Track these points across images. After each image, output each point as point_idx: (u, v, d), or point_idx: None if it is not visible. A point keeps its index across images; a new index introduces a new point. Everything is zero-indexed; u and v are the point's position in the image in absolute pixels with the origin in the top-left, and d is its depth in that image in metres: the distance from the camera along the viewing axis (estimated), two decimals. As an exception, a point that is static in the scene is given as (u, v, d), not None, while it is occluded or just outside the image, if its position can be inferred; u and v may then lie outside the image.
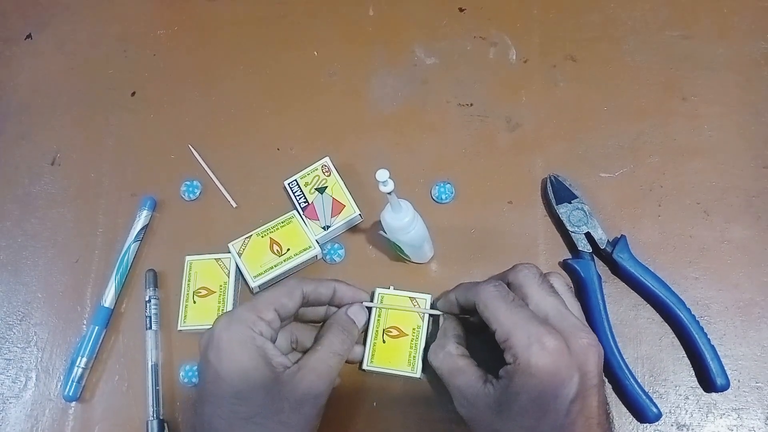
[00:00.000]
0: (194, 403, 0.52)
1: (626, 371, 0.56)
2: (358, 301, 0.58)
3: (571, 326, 0.49)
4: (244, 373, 0.49)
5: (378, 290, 0.60)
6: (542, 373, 0.46)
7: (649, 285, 0.59)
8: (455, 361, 0.53)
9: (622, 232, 0.61)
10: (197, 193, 0.67)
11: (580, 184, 0.63)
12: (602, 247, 0.60)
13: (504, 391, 0.48)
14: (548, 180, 0.63)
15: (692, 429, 0.56)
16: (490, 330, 0.50)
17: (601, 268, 0.61)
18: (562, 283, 0.54)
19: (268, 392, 0.49)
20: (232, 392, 0.49)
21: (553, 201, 0.62)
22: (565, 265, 0.61)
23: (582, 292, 0.59)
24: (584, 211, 0.61)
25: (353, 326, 0.56)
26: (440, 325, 0.57)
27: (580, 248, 0.61)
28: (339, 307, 0.58)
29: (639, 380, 0.57)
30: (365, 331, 0.59)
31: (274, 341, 0.52)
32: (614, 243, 0.60)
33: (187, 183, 0.67)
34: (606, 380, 0.56)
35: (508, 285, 0.53)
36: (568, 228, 0.61)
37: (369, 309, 0.59)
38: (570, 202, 0.62)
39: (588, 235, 0.61)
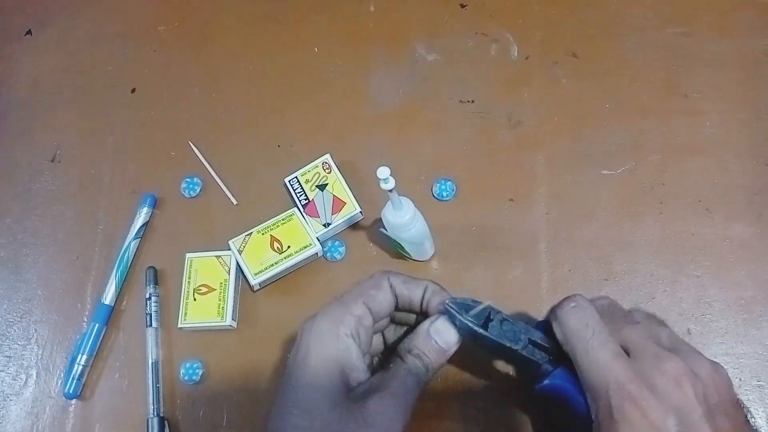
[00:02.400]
0: None
1: None
2: (443, 311, 0.48)
3: (661, 352, 0.44)
4: (314, 378, 0.44)
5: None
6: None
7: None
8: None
9: (623, 229, 0.61)
10: (197, 190, 0.67)
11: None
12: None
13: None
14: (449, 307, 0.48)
15: (693, 427, 0.56)
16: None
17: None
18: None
19: (335, 407, 0.43)
20: (296, 395, 0.44)
21: (480, 330, 0.48)
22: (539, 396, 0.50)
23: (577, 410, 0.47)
24: (504, 316, 0.49)
25: (433, 355, 0.47)
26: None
27: (544, 369, 0.49)
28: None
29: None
30: None
31: (363, 346, 0.46)
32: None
33: (188, 180, 0.67)
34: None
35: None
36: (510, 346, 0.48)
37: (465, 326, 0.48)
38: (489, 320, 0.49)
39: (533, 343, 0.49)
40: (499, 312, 0.49)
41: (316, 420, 0.43)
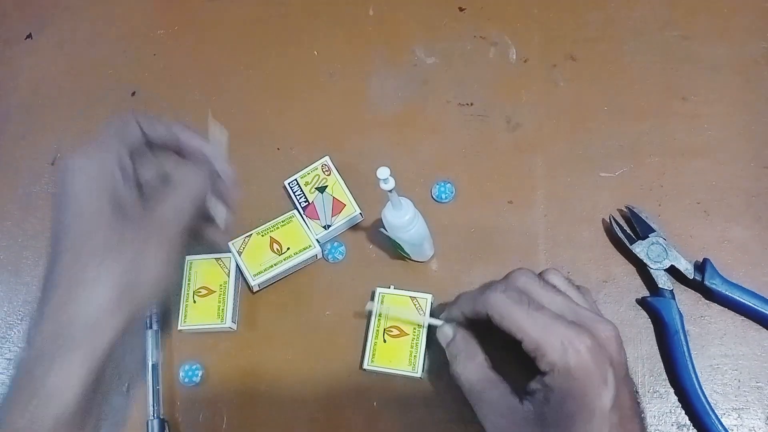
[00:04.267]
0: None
1: (714, 419, 0.54)
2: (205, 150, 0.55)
3: (589, 320, 0.47)
4: (85, 201, 0.47)
5: (378, 290, 0.60)
6: (583, 375, 0.44)
7: (751, 304, 0.57)
8: (488, 373, 0.50)
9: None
10: None
11: (655, 214, 0.62)
12: (690, 277, 0.58)
13: (544, 402, 0.45)
14: (612, 219, 0.61)
15: (692, 429, 0.56)
16: (516, 339, 0.47)
17: (688, 297, 0.60)
18: (560, 278, 0.52)
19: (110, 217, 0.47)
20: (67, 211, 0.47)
21: (626, 242, 0.60)
22: (643, 304, 0.59)
23: (663, 333, 0.57)
24: (662, 244, 0.59)
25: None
26: (450, 337, 0.54)
27: (660, 285, 0.58)
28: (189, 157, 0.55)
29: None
30: (366, 330, 0.59)
31: (128, 177, 0.50)
32: (701, 269, 0.58)
33: None
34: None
35: None
36: (649, 265, 0.59)
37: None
38: (645, 237, 0.59)
39: (670, 269, 0.59)
40: None
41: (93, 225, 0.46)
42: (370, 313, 0.59)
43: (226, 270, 0.62)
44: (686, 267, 0.59)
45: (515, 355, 0.48)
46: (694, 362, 0.56)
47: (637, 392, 0.54)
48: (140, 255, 0.47)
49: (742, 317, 0.59)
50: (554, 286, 0.51)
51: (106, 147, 0.49)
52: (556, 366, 0.45)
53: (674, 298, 0.58)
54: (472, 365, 0.51)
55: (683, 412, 0.56)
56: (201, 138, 0.55)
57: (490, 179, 0.65)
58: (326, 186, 0.64)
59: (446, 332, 0.54)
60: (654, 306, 0.58)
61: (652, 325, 0.59)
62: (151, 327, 0.62)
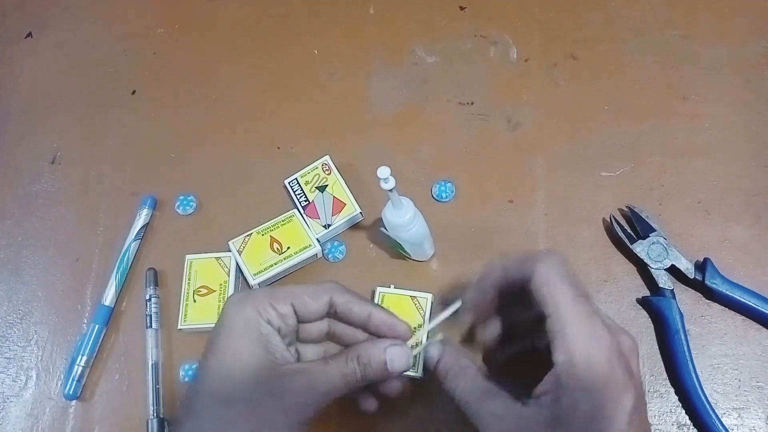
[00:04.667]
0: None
1: (714, 419, 0.54)
2: (399, 338, 0.49)
3: (613, 328, 0.44)
4: (237, 355, 0.45)
5: (379, 289, 0.60)
6: (605, 377, 0.41)
7: (751, 304, 0.57)
8: (484, 383, 0.47)
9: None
10: (194, 207, 0.67)
11: (656, 214, 0.62)
12: (691, 276, 0.58)
13: (554, 403, 0.41)
14: (612, 219, 0.61)
15: (693, 428, 0.56)
16: (538, 312, 0.44)
17: (689, 296, 0.60)
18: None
19: (257, 382, 0.44)
20: (219, 371, 0.45)
21: (627, 241, 0.60)
22: (644, 303, 0.60)
23: (663, 332, 0.58)
24: (662, 244, 0.59)
25: (371, 366, 0.47)
26: (437, 357, 0.50)
27: (661, 285, 0.58)
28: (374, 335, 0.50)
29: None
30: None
31: (285, 337, 0.47)
32: (702, 269, 0.59)
33: (181, 198, 0.67)
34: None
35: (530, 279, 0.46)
36: (649, 265, 0.59)
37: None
38: (646, 237, 0.60)
39: (671, 269, 0.59)
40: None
41: (237, 390, 0.44)
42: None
43: (226, 269, 0.62)
44: (687, 266, 0.59)
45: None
46: (695, 362, 0.56)
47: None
48: None
49: (743, 317, 0.59)
50: (584, 289, 0.47)
51: (276, 303, 0.47)
52: (574, 357, 0.41)
53: (675, 298, 0.58)
54: (465, 378, 0.48)
55: (683, 411, 0.56)
56: (396, 320, 0.50)
57: (491, 179, 0.65)
58: (326, 185, 0.64)
59: (432, 353, 0.50)
60: (654, 305, 0.58)
61: (652, 325, 0.59)
62: (150, 326, 0.62)
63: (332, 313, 0.49)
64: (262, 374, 0.44)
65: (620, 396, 0.41)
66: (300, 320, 0.48)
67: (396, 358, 0.48)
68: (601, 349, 0.41)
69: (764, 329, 0.58)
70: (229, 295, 0.61)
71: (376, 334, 0.50)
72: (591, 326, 0.42)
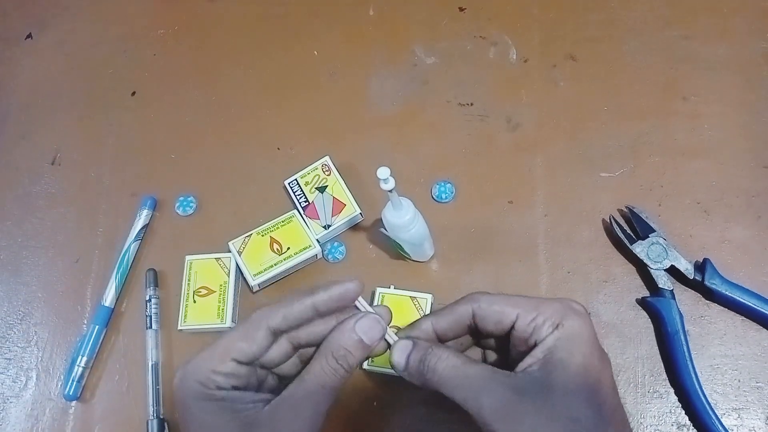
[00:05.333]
0: None
1: (714, 419, 0.54)
2: (351, 300, 0.45)
3: (557, 299, 0.44)
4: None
5: (379, 289, 0.60)
6: (587, 337, 0.41)
7: (751, 304, 0.57)
8: (465, 357, 0.44)
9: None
10: (193, 207, 0.67)
11: (655, 214, 0.62)
12: (691, 277, 0.58)
13: (543, 369, 0.40)
14: (612, 219, 0.61)
15: (692, 429, 0.56)
16: (504, 328, 0.43)
17: (688, 297, 0.60)
18: None
19: None
20: None
21: (626, 242, 0.60)
22: (643, 304, 0.60)
23: (663, 333, 0.58)
24: (662, 244, 0.59)
25: (350, 353, 0.44)
26: (410, 348, 0.45)
27: (660, 285, 0.58)
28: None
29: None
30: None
31: (248, 384, 0.44)
32: (701, 269, 0.59)
33: (181, 199, 0.67)
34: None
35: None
36: (649, 265, 0.59)
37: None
38: (646, 237, 0.60)
39: (670, 269, 0.59)
40: None
41: None
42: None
43: (226, 270, 0.62)
44: (686, 267, 0.59)
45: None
46: (694, 362, 0.56)
47: None
48: None
49: (742, 317, 0.59)
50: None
51: (212, 362, 0.43)
52: (562, 325, 0.41)
53: (674, 298, 0.58)
54: (444, 354, 0.44)
55: (683, 412, 0.56)
56: (340, 290, 0.44)
57: (490, 179, 0.65)
58: (326, 186, 0.64)
59: (402, 347, 0.45)
60: (654, 306, 0.58)
61: (652, 325, 0.59)
62: (150, 327, 0.62)
63: (281, 333, 0.45)
64: None
65: (603, 357, 0.41)
66: (252, 363, 0.44)
67: (368, 329, 0.44)
68: (576, 314, 0.41)
69: (764, 329, 0.58)
70: (230, 295, 0.61)
71: (332, 313, 0.45)
72: (553, 303, 0.42)
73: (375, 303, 0.60)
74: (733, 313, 0.59)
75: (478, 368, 0.42)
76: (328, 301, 0.44)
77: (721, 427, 0.54)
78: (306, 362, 0.45)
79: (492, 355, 0.48)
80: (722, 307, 0.59)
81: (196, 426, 0.42)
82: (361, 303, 0.45)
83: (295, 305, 0.44)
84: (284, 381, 0.46)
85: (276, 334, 0.44)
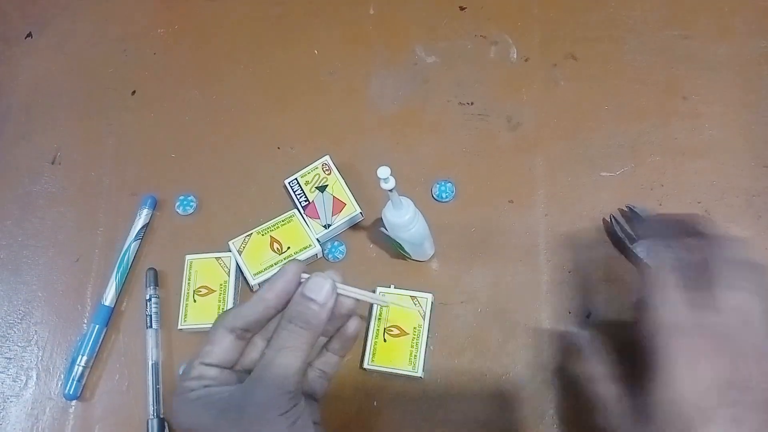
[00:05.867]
0: None
1: None
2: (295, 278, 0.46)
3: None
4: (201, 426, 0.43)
5: (379, 289, 0.60)
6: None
7: None
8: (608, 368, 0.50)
9: (622, 231, 0.61)
10: (193, 207, 0.67)
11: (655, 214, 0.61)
12: None
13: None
14: (612, 219, 0.61)
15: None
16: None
17: None
18: None
19: (230, 422, 0.43)
20: None
21: (627, 241, 0.59)
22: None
23: None
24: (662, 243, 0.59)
25: (308, 310, 0.45)
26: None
27: None
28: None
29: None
30: (366, 329, 0.59)
31: (224, 381, 0.45)
32: None
33: (181, 198, 0.67)
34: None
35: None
36: (650, 264, 0.57)
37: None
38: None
39: None
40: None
41: None
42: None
43: (226, 269, 0.62)
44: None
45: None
46: None
47: None
48: None
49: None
50: None
51: (185, 374, 0.45)
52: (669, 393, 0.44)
53: None
54: (596, 361, 0.50)
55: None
56: (286, 276, 0.46)
57: (491, 178, 0.65)
58: (326, 185, 0.64)
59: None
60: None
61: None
62: (151, 326, 0.62)
63: (246, 333, 0.46)
64: (228, 416, 0.43)
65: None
66: (222, 365, 0.45)
67: (315, 288, 0.46)
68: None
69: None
70: (230, 295, 0.61)
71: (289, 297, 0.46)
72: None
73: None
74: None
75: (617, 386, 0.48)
76: (275, 297, 0.46)
77: None
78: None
79: None
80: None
81: (184, 426, 0.44)
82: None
83: (246, 304, 0.46)
84: None
85: (240, 336, 0.45)
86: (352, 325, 0.49)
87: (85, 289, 0.65)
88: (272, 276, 0.46)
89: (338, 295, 0.46)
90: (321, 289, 0.46)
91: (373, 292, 0.60)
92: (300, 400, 0.44)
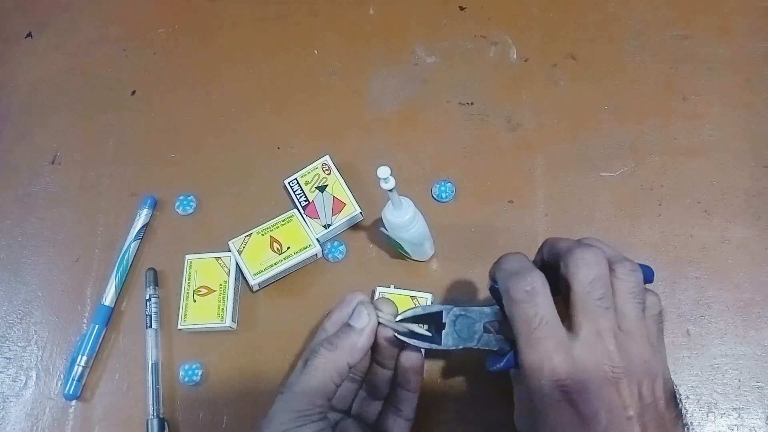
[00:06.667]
0: None
1: None
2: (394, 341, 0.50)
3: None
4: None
5: (379, 289, 0.60)
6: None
7: None
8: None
9: (622, 231, 0.61)
10: (193, 207, 0.67)
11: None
12: None
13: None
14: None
15: (692, 429, 0.56)
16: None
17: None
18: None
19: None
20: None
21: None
22: None
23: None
24: None
25: (339, 338, 0.49)
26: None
27: None
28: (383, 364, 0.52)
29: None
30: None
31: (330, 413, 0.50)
32: None
33: (181, 198, 0.67)
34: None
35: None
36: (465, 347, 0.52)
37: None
38: None
39: None
40: (452, 308, 0.49)
41: None
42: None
43: (226, 269, 0.62)
44: (496, 311, 0.52)
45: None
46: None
47: None
48: None
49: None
50: None
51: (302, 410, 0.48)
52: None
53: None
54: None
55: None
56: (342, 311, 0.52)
57: (491, 179, 0.65)
58: (326, 185, 0.64)
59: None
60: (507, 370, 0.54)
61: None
62: (150, 326, 0.62)
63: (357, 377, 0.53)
64: None
65: None
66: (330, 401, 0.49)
67: (355, 317, 0.50)
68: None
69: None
70: (229, 295, 0.61)
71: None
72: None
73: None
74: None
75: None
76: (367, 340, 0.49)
77: None
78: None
79: None
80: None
81: None
82: None
83: (342, 345, 0.49)
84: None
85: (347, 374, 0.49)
86: (406, 357, 0.51)
87: (84, 289, 0.65)
88: (347, 330, 0.50)
89: (380, 324, 0.50)
90: (359, 315, 0.50)
91: (373, 291, 0.60)
92: (308, 423, 0.46)
